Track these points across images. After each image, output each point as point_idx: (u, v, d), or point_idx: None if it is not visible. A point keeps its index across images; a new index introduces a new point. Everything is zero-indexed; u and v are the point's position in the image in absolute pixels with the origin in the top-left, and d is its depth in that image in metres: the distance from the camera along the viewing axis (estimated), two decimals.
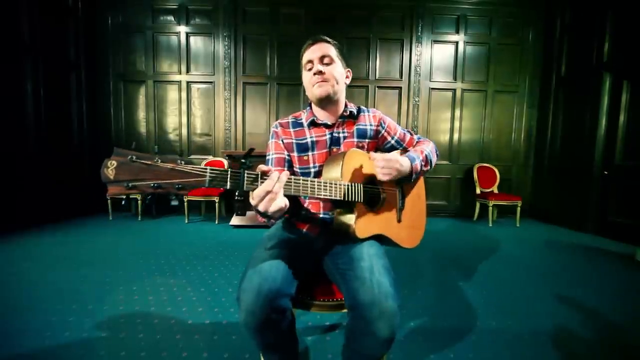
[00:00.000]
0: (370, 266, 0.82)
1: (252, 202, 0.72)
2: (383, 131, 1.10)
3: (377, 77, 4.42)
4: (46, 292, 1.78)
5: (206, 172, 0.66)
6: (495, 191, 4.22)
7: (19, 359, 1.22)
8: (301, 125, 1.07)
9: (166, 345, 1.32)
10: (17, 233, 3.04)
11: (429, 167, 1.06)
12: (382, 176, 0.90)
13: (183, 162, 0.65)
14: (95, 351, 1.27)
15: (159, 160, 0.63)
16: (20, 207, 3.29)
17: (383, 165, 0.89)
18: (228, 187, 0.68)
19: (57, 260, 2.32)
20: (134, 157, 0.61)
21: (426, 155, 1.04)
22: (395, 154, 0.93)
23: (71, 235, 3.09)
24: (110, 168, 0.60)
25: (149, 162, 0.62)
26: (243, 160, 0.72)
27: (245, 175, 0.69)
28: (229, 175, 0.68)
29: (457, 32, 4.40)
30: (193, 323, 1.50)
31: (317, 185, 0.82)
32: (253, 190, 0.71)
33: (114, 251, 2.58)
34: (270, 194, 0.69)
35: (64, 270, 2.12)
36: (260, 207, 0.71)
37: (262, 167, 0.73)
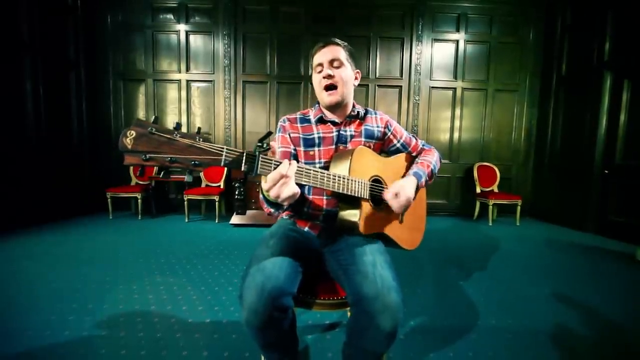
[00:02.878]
0: (373, 260, 0.83)
1: (265, 186, 0.72)
2: (389, 134, 1.13)
3: (377, 76, 4.41)
4: (46, 291, 1.78)
5: (223, 152, 0.66)
6: (496, 190, 4.22)
7: (18, 358, 1.22)
8: (309, 121, 1.09)
9: (166, 344, 1.32)
10: (17, 232, 3.04)
11: (431, 181, 1.11)
12: (399, 210, 0.95)
13: (201, 140, 0.65)
14: (95, 350, 1.27)
15: (178, 136, 0.63)
16: (20, 206, 3.28)
17: (399, 206, 0.94)
18: (242, 169, 0.69)
19: (57, 259, 2.32)
20: (154, 130, 0.62)
21: (432, 170, 1.10)
22: (402, 184, 0.96)
23: (71, 234, 3.09)
24: (129, 137, 0.60)
25: (168, 136, 0.63)
26: (259, 144, 0.72)
27: (260, 158, 0.70)
28: (244, 158, 0.68)
29: (458, 30, 4.39)
30: (193, 322, 1.50)
31: (327, 177, 0.83)
32: (266, 174, 0.72)
33: (113, 250, 2.58)
34: (285, 177, 0.70)
35: (64, 269, 2.12)
36: (273, 192, 0.71)
37: (273, 144, 0.75)
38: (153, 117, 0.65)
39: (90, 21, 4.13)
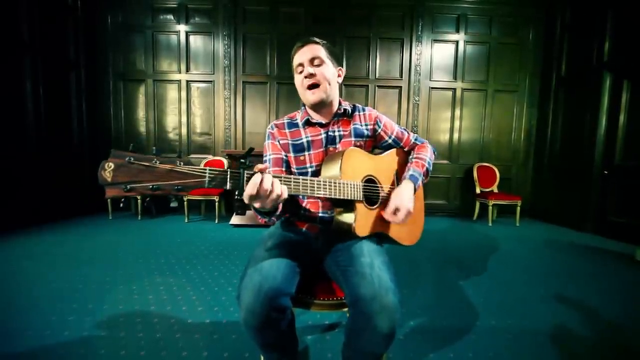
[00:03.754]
0: (371, 262, 0.83)
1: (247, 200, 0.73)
2: (380, 130, 1.10)
3: (377, 77, 4.41)
4: (46, 291, 1.78)
5: (205, 172, 0.65)
6: (495, 191, 4.22)
7: (18, 358, 1.22)
8: (296, 125, 1.07)
9: (166, 344, 1.32)
10: (17, 232, 3.04)
11: (427, 179, 1.11)
12: (403, 222, 0.96)
13: (182, 163, 0.64)
14: (95, 350, 1.27)
15: (158, 162, 0.62)
16: (20, 206, 3.28)
17: (400, 221, 0.95)
18: (228, 187, 0.68)
19: (57, 259, 2.32)
20: (132, 159, 0.60)
21: (427, 169, 1.09)
22: (400, 195, 0.97)
23: (71, 234, 3.09)
24: (107, 170, 0.59)
25: (147, 164, 0.61)
26: (242, 160, 0.71)
27: (245, 175, 0.69)
28: (228, 176, 0.67)
29: (457, 31, 4.39)
30: (193, 322, 1.50)
31: (317, 184, 0.82)
32: None
33: (113, 250, 2.58)
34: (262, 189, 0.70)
35: (64, 270, 2.12)
36: (257, 204, 0.72)
37: (259, 166, 0.73)
38: (130, 145, 0.64)
39: (91, 21, 4.13)
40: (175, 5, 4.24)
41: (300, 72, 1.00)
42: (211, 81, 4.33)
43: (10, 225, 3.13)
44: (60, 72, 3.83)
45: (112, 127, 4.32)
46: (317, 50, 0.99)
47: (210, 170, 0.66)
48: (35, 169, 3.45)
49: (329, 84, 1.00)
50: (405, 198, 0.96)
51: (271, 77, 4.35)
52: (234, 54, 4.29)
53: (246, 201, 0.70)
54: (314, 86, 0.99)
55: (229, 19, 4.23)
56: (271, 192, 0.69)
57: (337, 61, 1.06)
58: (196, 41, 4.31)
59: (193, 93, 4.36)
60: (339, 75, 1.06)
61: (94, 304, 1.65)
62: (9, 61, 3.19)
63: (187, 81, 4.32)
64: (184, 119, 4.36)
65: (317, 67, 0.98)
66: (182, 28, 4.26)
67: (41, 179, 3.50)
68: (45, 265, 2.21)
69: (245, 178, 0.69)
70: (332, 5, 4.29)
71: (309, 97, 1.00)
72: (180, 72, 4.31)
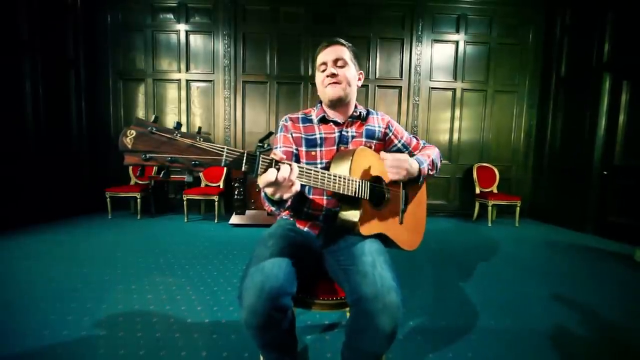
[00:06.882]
0: (373, 261, 0.83)
1: (268, 190, 0.73)
2: (390, 134, 1.13)
3: (377, 77, 4.41)
4: (45, 291, 1.78)
5: (223, 151, 0.66)
6: (495, 191, 4.22)
7: (18, 358, 1.21)
8: (311, 121, 1.09)
9: (165, 344, 1.32)
10: (16, 232, 3.03)
11: (434, 172, 1.10)
12: (391, 175, 0.93)
13: (202, 140, 0.65)
14: (94, 350, 1.27)
15: (179, 135, 0.63)
16: (20, 205, 3.27)
17: (393, 165, 0.92)
18: (243, 169, 0.68)
19: (56, 259, 2.31)
20: (154, 129, 0.61)
21: (433, 160, 1.08)
22: (405, 155, 0.96)
23: (70, 234, 3.09)
24: (129, 137, 0.59)
25: (169, 136, 0.62)
26: (260, 144, 0.71)
27: (261, 159, 0.69)
28: (244, 158, 0.68)
29: (458, 31, 4.39)
30: (192, 322, 1.50)
31: (328, 177, 0.83)
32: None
33: (113, 250, 2.58)
34: (287, 181, 0.71)
35: (63, 269, 2.12)
36: (276, 195, 0.73)
37: (277, 151, 0.74)
38: (153, 116, 0.64)
39: (90, 20, 4.12)
40: (175, 5, 4.23)
41: (323, 71, 1.03)
42: (211, 81, 4.33)
43: (10, 224, 3.12)
44: (60, 71, 3.81)
45: (112, 126, 4.31)
46: (342, 51, 1.02)
47: (228, 150, 0.66)
48: (34, 167, 3.44)
49: (349, 85, 1.03)
50: (407, 157, 0.95)
51: (271, 77, 4.34)
52: (234, 53, 4.28)
53: (261, 186, 0.71)
54: (333, 84, 1.01)
55: (229, 18, 4.22)
56: (292, 185, 0.72)
57: (359, 65, 1.08)
58: (196, 40, 4.30)
59: (193, 92, 4.35)
60: (359, 79, 1.09)
61: (93, 303, 1.64)
62: (8, 60, 3.18)
63: (187, 80, 4.32)
64: (183, 118, 4.35)
65: (340, 68, 1.01)
66: (182, 27, 4.25)
67: (40, 178, 3.49)
68: (45, 264, 2.20)
69: (260, 162, 0.69)
70: (332, 5, 4.28)
71: (327, 91, 1.02)
72: (180, 72, 4.30)
